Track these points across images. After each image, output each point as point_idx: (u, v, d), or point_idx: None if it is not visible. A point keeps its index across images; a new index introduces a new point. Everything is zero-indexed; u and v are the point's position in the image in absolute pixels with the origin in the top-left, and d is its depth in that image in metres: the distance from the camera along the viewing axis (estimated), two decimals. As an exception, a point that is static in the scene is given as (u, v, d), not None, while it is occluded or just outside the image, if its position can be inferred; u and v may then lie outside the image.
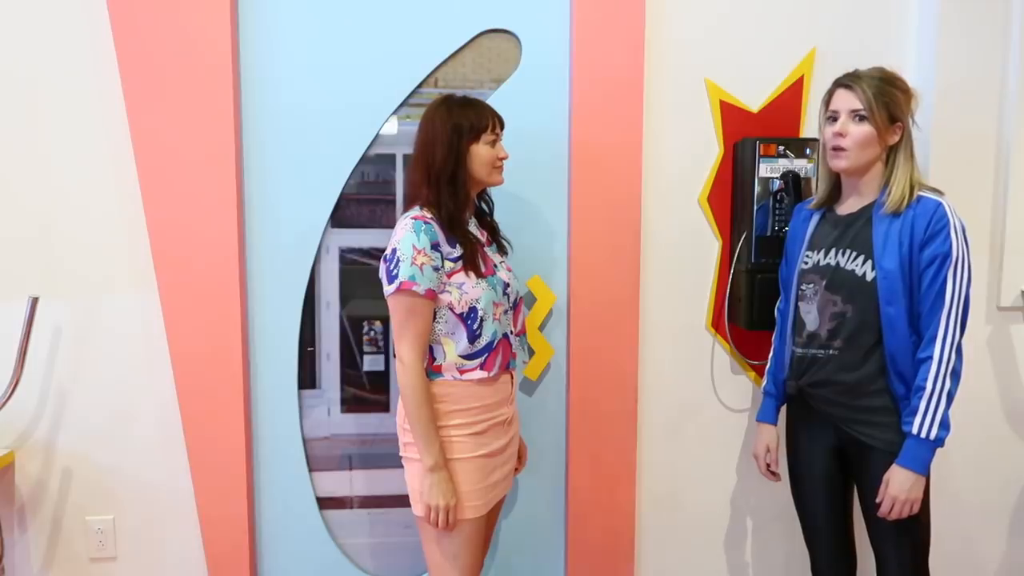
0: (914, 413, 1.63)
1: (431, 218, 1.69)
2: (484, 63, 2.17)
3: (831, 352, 1.75)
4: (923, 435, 1.62)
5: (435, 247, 1.66)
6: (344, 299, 2.22)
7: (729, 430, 2.30)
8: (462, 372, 1.71)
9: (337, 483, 2.25)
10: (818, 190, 1.87)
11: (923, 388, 1.62)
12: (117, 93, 2.00)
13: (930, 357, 1.62)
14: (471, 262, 1.70)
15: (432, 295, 1.66)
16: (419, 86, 2.13)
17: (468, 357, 1.71)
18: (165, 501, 2.15)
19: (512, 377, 1.83)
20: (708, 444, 2.30)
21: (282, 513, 2.20)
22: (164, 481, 2.14)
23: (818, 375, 1.78)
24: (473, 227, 1.81)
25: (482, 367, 1.72)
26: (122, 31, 1.99)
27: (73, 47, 2.01)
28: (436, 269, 1.66)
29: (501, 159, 1.77)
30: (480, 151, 1.73)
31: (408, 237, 1.65)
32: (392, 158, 2.19)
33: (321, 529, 2.22)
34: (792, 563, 2.27)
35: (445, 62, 2.14)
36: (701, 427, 2.29)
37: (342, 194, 2.14)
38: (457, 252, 1.70)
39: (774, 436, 1.97)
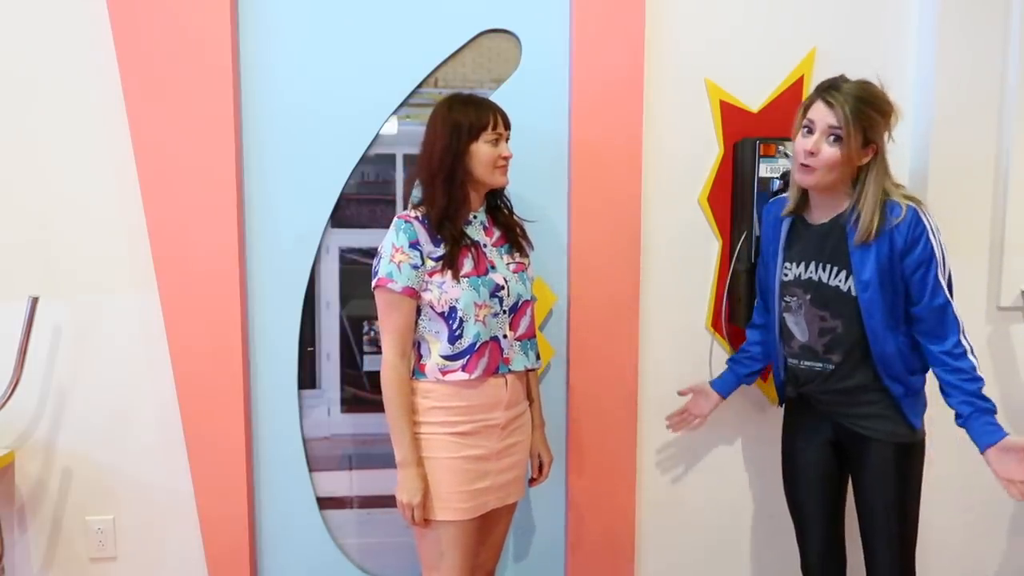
0: (976, 396, 1.66)
1: (415, 217, 1.72)
2: (484, 63, 2.17)
3: (829, 367, 1.77)
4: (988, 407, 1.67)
5: (413, 245, 1.69)
6: (344, 299, 2.22)
7: (729, 430, 2.30)
8: (444, 373, 1.72)
9: (337, 483, 2.25)
10: (789, 197, 1.83)
11: (972, 367, 1.66)
12: (117, 93, 2.00)
13: (964, 351, 1.67)
14: (449, 262, 1.70)
15: (411, 292, 1.69)
16: (419, 86, 2.13)
17: (450, 358, 1.71)
18: (165, 501, 2.15)
19: (508, 382, 1.78)
20: (708, 444, 2.30)
21: (282, 513, 2.20)
22: (164, 481, 2.14)
23: (819, 387, 1.80)
24: (477, 227, 1.79)
25: (464, 368, 1.71)
26: (122, 31, 1.99)
27: (73, 47, 2.01)
28: (415, 267, 1.69)
29: (504, 159, 1.74)
30: (480, 150, 1.71)
31: (389, 236, 1.71)
32: (392, 158, 2.19)
33: (321, 529, 2.22)
34: (791, 562, 2.26)
35: (445, 62, 2.14)
36: (701, 427, 2.29)
37: (342, 194, 2.14)
38: (440, 251, 1.70)
39: (712, 406, 2.06)
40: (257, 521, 2.19)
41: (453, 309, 1.70)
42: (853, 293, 1.71)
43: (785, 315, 1.83)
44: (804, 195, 1.80)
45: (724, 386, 2.06)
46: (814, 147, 1.66)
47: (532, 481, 1.96)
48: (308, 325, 2.19)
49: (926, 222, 1.66)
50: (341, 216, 2.17)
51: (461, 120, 1.70)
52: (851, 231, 1.70)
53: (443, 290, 1.70)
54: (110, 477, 2.14)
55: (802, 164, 1.69)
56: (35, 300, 1.98)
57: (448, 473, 1.71)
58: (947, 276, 1.69)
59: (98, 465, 2.13)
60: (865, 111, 1.63)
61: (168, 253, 2.05)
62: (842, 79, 1.69)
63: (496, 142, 1.73)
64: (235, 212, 2.05)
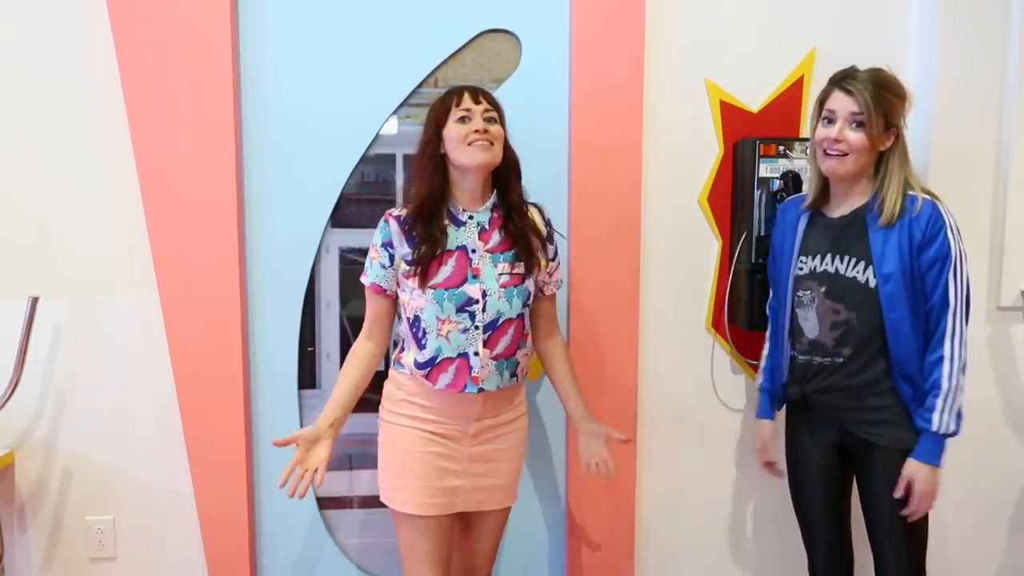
0: (932, 410, 1.65)
1: (395, 216, 1.72)
2: (484, 63, 2.17)
3: (839, 360, 1.75)
4: (943, 431, 1.65)
5: (385, 245, 1.71)
6: (344, 299, 2.21)
7: (729, 430, 2.30)
8: (415, 373, 1.73)
9: (337, 483, 2.25)
10: (808, 191, 1.84)
11: (939, 387, 1.65)
12: (117, 93, 2.00)
13: (942, 357, 1.65)
14: (416, 268, 1.67)
15: (378, 289, 1.73)
16: (419, 86, 2.13)
17: (417, 365, 1.71)
18: (165, 501, 2.15)
19: (482, 398, 1.71)
20: (708, 444, 2.30)
21: (282, 513, 2.20)
22: (164, 481, 2.14)
23: (826, 382, 1.78)
24: (472, 228, 1.71)
25: (427, 378, 1.70)
26: (122, 31, 1.99)
27: (73, 47, 2.01)
28: (383, 267, 1.71)
29: (475, 132, 1.64)
30: (450, 131, 1.68)
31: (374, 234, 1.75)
32: (392, 158, 2.19)
33: (321, 529, 2.22)
34: (791, 563, 2.26)
35: (445, 62, 2.14)
36: (701, 427, 2.29)
37: (342, 194, 2.14)
38: (412, 255, 1.68)
39: (771, 432, 1.97)
40: (257, 521, 2.19)
41: (417, 318, 1.69)
42: (871, 284, 1.69)
43: (797, 310, 1.82)
44: (824, 190, 1.80)
45: (765, 409, 1.98)
46: (839, 134, 1.67)
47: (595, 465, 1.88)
48: (308, 325, 2.19)
49: (946, 219, 1.65)
50: (341, 216, 2.17)
51: (432, 113, 1.72)
52: (872, 218, 1.69)
53: (411, 296, 1.69)
54: (110, 477, 2.14)
55: (826, 152, 1.70)
56: (35, 300, 1.98)
57: (413, 466, 1.71)
58: (961, 278, 1.65)
59: (98, 465, 2.13)
60: (884, 95, 1.65)
61: (168, 253, 2.05)
62: (855, 68, 1.70)
63: (465, 119, 1.66)
64: (235, 212, 2.05)
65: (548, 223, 1.85)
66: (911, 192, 1.68)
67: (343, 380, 1.77)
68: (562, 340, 1.94)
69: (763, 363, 1.98)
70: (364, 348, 1.78)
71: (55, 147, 2.04)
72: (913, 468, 1.67)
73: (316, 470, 1.70)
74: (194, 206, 2.04)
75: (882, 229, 1.67)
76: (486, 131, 1.66)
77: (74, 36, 2.01)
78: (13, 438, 2.10)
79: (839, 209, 1.77)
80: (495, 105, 1.72)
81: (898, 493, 1.69)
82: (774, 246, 1.95)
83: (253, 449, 2.17)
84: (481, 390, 1.69)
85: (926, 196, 1.68)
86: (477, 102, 1.68)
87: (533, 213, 1.81)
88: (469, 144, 1.65)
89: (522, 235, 1.74)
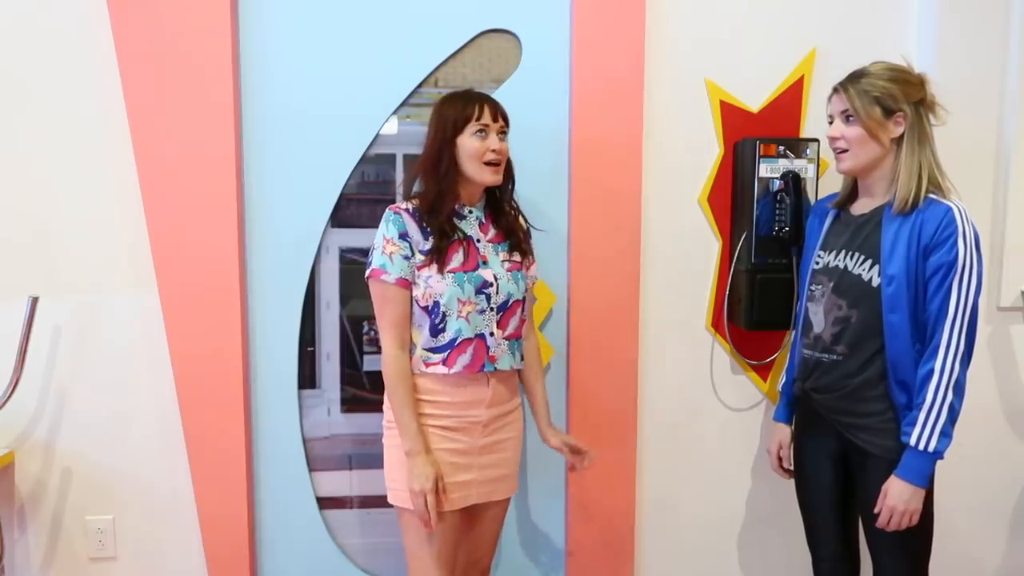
0: (913, 424, 1.60)
1: (404, 208, 1.73)
2: (484, 63, 2.17)
3: (836, 357, 1.74)
4: (921, 447, 1.59)
5: (403, 236, 1.70)
6: (344, 299, 2.22)
7: (729, 430, 2.30)
8: (427, 365, 1.73)
9: (337, 483, 2.25)
10: (840, 189, 1.86)
11: (923, 400, 1.59)
12: (117, 94, 2.00)
13: (932, 369, 1.59)
14: (436, 256, 1.69)
15: (404, 283, 1.70)
16: (419, 86, 2.13)
17: (431, 350, 1.72)
18: (165, 501, 2.15)
19: (492, 382, 1.76)
20: (708, 444, 2.30)
21: (282, 513, 2.20)
22: (164, 481, 2.14)
23: (822, 380, 1.77)
24: (472, 221, 1.78)
25: (444, 363, 1.72)
26: (122, 32, 1.99)
27: (73, 47, 2.01)
28: (407, 258, 1.70)
29: (492, 151, 1.70)
30: (465, 143, 1.70)
31: (381, 227, 1.71)
32: (392, 158, 2.19)
33: (321, 529, 2.22)
34: (792, 563, 2.27)
35: (445, 62, 2.14)
36: (701, 427, 2.29)
37: (342, 194, 2.14)
38: (428, 244, 1.70)
39: (788, 435, 1.96)
40: (257, 521, 2.19)
41: (436, 304, 1.70)
42: (875, 284, 1.67)
43: (809, 304, 1.82)
44: (854, 188, 1.81)
45: (781, 412, 1.99)
46: (834, 132, 1.72)
47: (571, 468, 1.91)
48: (308, 325, 2.19)
49: (960, 226, 1.59)
50: (341, 216, 2.17)
51: (447, 114, 1.72)
52: (887, 219, 1.67)
53: (428, 284, 1.70)
54: (110, 477, 2.14)
55: (834, 150, 1.74)
56: (35, 300, 1.98)
57: None
58: (967, 290, 1.58)
59: (98, 465, 2.13)
60: (873, 83, 1.67)
61: (168, 253, 2.05)
62: (859, 69, 1.72)
63: (483, 135, 1.70)
64: (235, 212, 2.05)
65: (524, 219, 1.90)
66: (934, 196, 1.64)
67: (414, 406, 1.70)
68: (536, 342, 1.95)
69: (787, 364, 1.99)
70: (407, 363, 1.72)
71: (55, 147, 2.04)
72: (889, 482, 1.63)
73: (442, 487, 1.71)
74: (194, 206, 2.04)
75: (894, 226, 1.65)
76: (500, 152, 1.72)
77: (74, 36, 2.01)
78: (13, 438, 2.10)
79: (862, 207, 1.77)
80: (507, 120, 1.77)
81: (877, 508, 1.65)
82: (805, 243, 1.95)
83: (253, 449, 2.17)
84: (496, 370, 1.74)
85: (944, 200, 1.64)
86: (495, 119, 1.72)
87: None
88: (485, 163, 1.71)
89: (513, 228, 1.83)
